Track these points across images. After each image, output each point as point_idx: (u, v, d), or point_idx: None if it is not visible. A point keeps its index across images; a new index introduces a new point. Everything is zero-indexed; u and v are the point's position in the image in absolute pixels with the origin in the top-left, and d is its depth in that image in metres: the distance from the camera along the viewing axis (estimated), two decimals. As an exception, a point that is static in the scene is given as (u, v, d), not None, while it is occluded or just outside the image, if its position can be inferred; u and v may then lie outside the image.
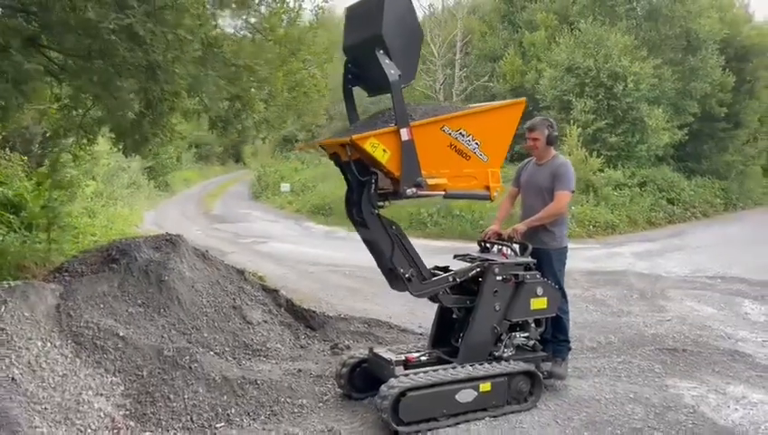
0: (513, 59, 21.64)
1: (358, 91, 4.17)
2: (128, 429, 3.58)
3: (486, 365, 4.04)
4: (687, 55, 18.95)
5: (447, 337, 4.37)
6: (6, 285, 4.20)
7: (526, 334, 4.29)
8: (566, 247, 4.64)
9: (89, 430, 3.40)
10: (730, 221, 16.71)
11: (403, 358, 4.07)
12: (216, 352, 4.61)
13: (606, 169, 16.31)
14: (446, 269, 4.22)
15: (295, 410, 4.04)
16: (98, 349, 4.10)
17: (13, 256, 5.69)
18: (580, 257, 10.00)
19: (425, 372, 3.86)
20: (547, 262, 4.46)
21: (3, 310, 3.84)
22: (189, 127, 9.26)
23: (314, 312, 5.83)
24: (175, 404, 3.86)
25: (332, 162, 4.05)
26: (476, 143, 3.80)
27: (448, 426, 3.79)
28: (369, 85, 4.04)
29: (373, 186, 3.72)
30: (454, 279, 4.09)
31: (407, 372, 3.90)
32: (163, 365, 4.11)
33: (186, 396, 3.92)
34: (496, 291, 4.11)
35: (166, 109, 4.78)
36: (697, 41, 18.81)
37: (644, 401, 4.30)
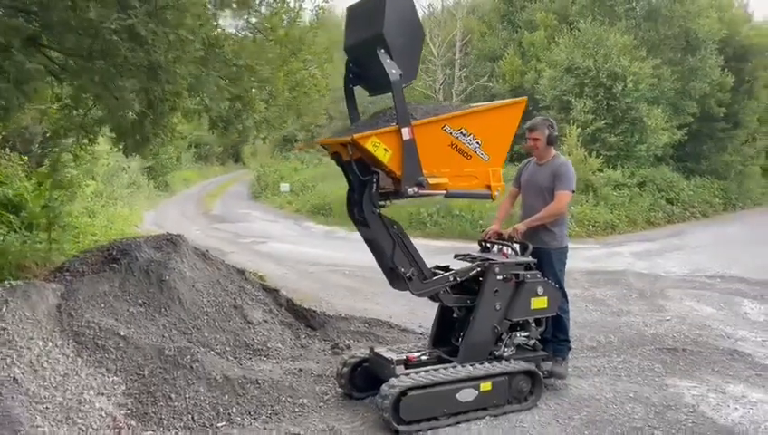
0: (512, 59, 21.65)
1: (357, 91, 4.18)
2: (129, 428, 3.58)
3: (487, 365, 4.05)
4: (686, 55, 18.98)
5: (448, 337, 4.38)
6: (8, 285, 4.21)
7: (527, 334, 4.30)
8: (566, 247, 4.65)
9: (90, 430, 3.41)
10: (729, 221, 16.74)
11: (404, 357, 4.07)
12: (216, 352, 4.62)
13: (605, 169, 16.33)
14: (446, 269, 4.23)
15: (296, 410, 4.05)
16: (99, 348, 4.11)
17: (13, 256, 5.70)
18: (580, 257, 10.01)
19: (425, 372, 3.87)
20: (547, 261, 4.47)
21: (4, 310, 3.85)
22: (189, 127, 9.26)
23: (315, 311, 5.84)
24: (176, 403, 3.87)
25: (333, 162, 4.06)
26: (477, 142, 3.80)
27: (449, 425, 3.81)
28: (371, 85, 4.05)
29: (374, 185, 3.73)
30: (454, 278, 4.10)
31: (407, 371, 3.91)
32: (164, 365, 4.12)
33: (187, 395, 3.93)
34: (497, 290, 4.12)
35: (167, 109, 4.79)
36: (696, 41, 18.83)
37: (644, 400, 4.31)
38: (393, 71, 3.54)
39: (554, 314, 4.38)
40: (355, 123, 4.10)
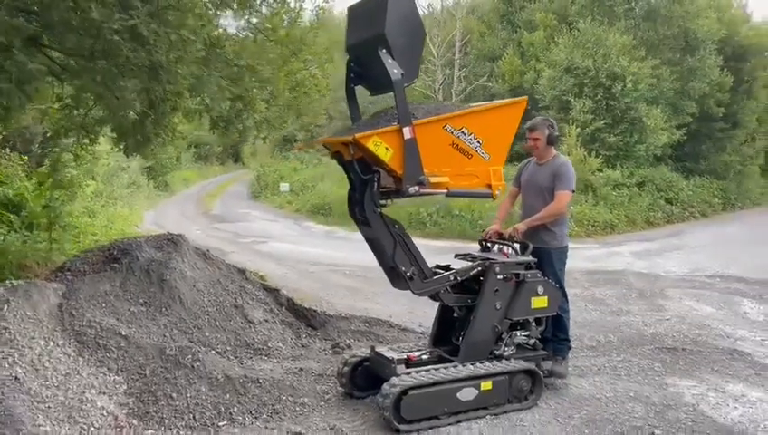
0: (511, 59, 21.67)
1: (358, 91, 4.19)
2: (130, 427, 3.59)
3: (487, 364, 4.06)
4: (686, 55, 19.01)
5: (448, 336, 4.39)
6: (9, 285, 4.21)
7: (527, 333, 4.31)
8: (567, 247, 4.66)
9: (92, 429, 3.41)
10: (728, 221, 16.76)
11: (404, 357, 4.08)
12: (217, 351, 4.62)
13: (605, 169, 16.36)
14: (447, 268, 4.24)
15: (297, 409, 4.06)
16: (100, 348, 4.11)
17: (14, 256, 5.70)
18: (580, 257, 10.03)
19: (426, 371, 3.88)
20: (548, 261, 4.48)
21: (5, 309, 3.85)
22: (189, 127, 9.26)
23: (315, 311, 5.85)
24: (177, 403, 3.87)
25: (333, 161, 4.07)
26: (478, 142, 3.82)
27: (450, 424, 3.82)
28: (372, 84, 4.06)
29: (376, 184, 3.74)
30: (455, 278, 4.11)
31: (408, 370, 3.92)
32: (165, 364, 4.12)
33: (188, 395, 3.94)
34: (497, 290, 4.13)
35: (168, 109, 4.79)
36: (695, 41, 18.86)
37: (644, 399, 4.33)
38: (395, 70, 3.55)
39: (554, 313, 4.39)
40: (356, 123, 4.12)
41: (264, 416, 3.93)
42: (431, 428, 3.76)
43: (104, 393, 3.77)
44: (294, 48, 5.47)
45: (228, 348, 4.76)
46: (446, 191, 3.83)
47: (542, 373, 4.24)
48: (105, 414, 3.56)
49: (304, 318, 5.73)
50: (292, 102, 6.06)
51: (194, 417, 3.81)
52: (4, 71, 3.69)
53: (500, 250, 4.51)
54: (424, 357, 4.20)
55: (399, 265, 3.90)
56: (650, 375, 4.83)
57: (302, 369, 4.59)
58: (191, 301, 4.97)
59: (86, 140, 5.78)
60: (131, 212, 13.01)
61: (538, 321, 4.36)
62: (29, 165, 8.36)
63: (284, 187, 20.78)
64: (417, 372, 3.86)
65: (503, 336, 4.19)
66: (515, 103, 4.10)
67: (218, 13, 4.95)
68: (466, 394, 3.88)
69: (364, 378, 4.24)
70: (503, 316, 4.16)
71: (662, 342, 5.67)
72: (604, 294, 7.79)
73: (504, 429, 3.83)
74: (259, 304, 5.47)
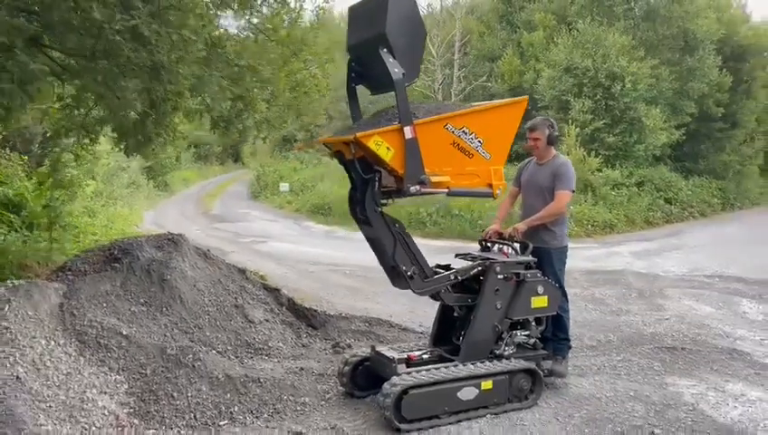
0: (511, 59, 21.69)
1: (358, 90, 4.20)
2: (132, 426, 3.59)
3: (488, 363, 4.07)
4: (685, 55, 19.03)
5: (449, 335, 4.40)
6: (10, 284, 4.21)
7: (527, 333, 4.32)
8: (566, 246, 4.68)
9: (93, 428, 3.42)
10: (727, 221, 16.78)
11: (405, 356, 4.09)
12: (218, 351, 4.63)
13: (604, 169, 16.37)
14: (447, 268, 4.25)
15: (298, 408, 4.07)
16: (101, 347, 4.12)
17: (15, 256, 5.71)
18: (579, 257, 10.04)
19: (427, 371, 3.89)
20: (548, 261, 4.49)
21: (7, 309, 3.85)
22: (189, 127, 9.27)
23: (315, 311, 5.85)
24: (178, 402, 3.88)
25: (333, 161, 4.09)
26: (479, 141, 3.83)
27: (450, 424, 3.83)
28: (373, 84, 4.08)
29: (377, 183, 3.75)
30: (455, 277, 4.12)
31: (409, 370, 3.93)
32: (166, 364, 4.13)
33: (189, 394, 3.95)
34: (497, 289, 4.14)
35: (169, 109, 4.80)
36: (695, 41, 18.89)
37: (644, 398, 4.34)
38: (396, 70, 3.56)
39: (554, 312, 4.41)
40: (357, 122, 4.12)
41: (265, 415, 3.94)
42: (432, 427, 3.77)
43: (105, 393, 3.78)
44: (295, 48, 5.48)
45: (229, 348, 4.76)
46: (446, 191, 3.84)
47: (542, 373, 4.25)
48: (106, 414, 3.57)
49: (305, 318, 5.73)
50: (293, 102, 6.07)
51: (195, 416, 3.82)
52: (5, 71, 3.69)
53: (500, 250, 4.52)
54: (424, 357, 4.21)
55: (400, 265, 3.91)
56: (650, 375, 4.84)
57: (302, 368, 4.60)
58: (192, 301, 4.98)
59: (86, 140, 5.78)
60: (131, 212, 13.02)
61: (538, 320, 4.37)
62: (29, 165, 8.36)
63: (284, 187, 20.78)
64: (417, 372, 3.87)
65: (503, 336, 4.20)
66: (516, 103, 4.11)
67: (219, 13, 4.96)
68: (467, 393, 3.89)
69: (365, 377, 4.25)
70: (503, 316, 4.17)
71: (662, 341, 5.68)
72: (604, 293, 7.80)
73: (504, 428, 3.84)
74: (259, 304, 5.48)
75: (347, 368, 4.24)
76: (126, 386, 3.92)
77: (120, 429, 3.52)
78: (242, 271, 5.94)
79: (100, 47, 3.77)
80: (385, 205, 3.86)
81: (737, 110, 20.64)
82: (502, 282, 4.15)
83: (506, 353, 4.19)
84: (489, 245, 4.65)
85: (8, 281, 4.38)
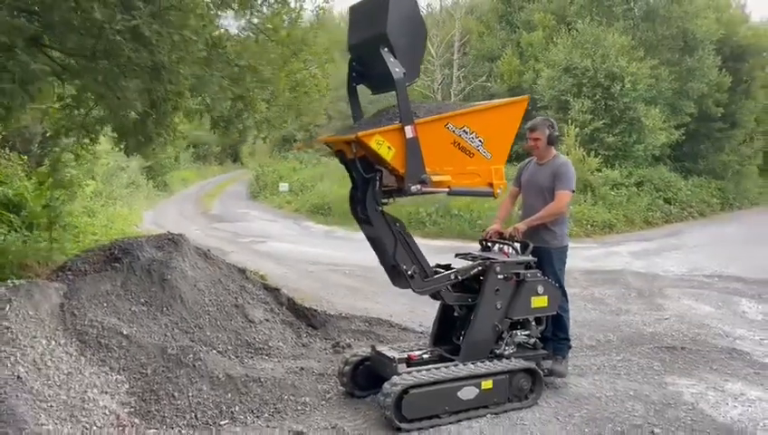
0: (510, 59, 21.71)
1: (358, 90, 4.20)
2: (133, 426, 3.60)
3: (488, 363, 4.08)
4: (684, 56, 19.05)
5: (449, 335, 4.40)
6: (11, 284, 4.21)
7: (527, 332, 4.33)
8: (567, 246, 4.68)
9: (94, 428, 3.42)
10: (726, 221, 16.80)
11: (405, 356, 4.09)
12: (218, 351, 4.63)
13: (603, 169, 16.38)
14: (447, 267, 4.25)
15: (299, 408, 4.07)
16: (102, 347, 4.12)
17: (15, 256, 5.71)
18: (579, 256, 10.04)
19: (427, 370, 3.90)
20: (548, 260, 4.50)
21: (7, 309, 3.85)
22: (189, 127, 9.27)
23: (315, 310, 5.85)
24: (179, 402, 3.88)
25: (332, 161, 4.11)
26: (480, 140, 3.83)
27: (450, 423, 3.83)
28: (374, 83, 4.08)
29: (377, 183, 3.75)
30: (456, 277, 4.12)
31: (409, 369, 3.93)
32: (167, 363, 4.13)
33: (190, 394, 3.95)
34: (498, 289, 4.15)
35: (169, 108, 4.80)
36: (694, 41, 18.91)
37: (644, 398, 4.34)
38: (396, 69, 3.57)
39: (554, 312, 4.41)
40: (358, 121, 4.13)
41: (266, 415, 3.94)
42: (432, 426, 3.78)
43: (106, 392, 3.78)
44: (295, 48, 5.48)
45: (229, 347, 4.76)
46: (447, 190, 3.85)
47: (542, 372, 4.25)
48: (107, 413, 3.57)
49: (305, 318, 5.73)
50: (293, 102, 6.08)
51: (195, 416, 3.82)
52: (6, 71, 3.70)
53: (500, 250, 4.53)
54: (425, 356, 4.22)
55: (400, 264, 3.91)
56: (650, 374, 4.85)
57: (302, 368, 4.60)
58: (192, 300, 4.98)
59: (86, 140, 5.78)
60: (131, 212, 13.02)
61: (538, 320, 4.37)
62: (29, 165, 8.36)
63: (283, 187, 20.77)
64: (417, 371, 3.88)
65: (503, 335, 4.21)
66: (516, 102, 4.12)
67: (219, 13, 4.96)
68: (467, 393, 3.89)
69: (365, 377, 4.26)
70: (503, 315, 4.17)
71: (661, 341, 5.69)
72: (603, 293, 7.81)
73: (504, 427, 3.85)
74: (260, 304, 5.48)
75: (347, 368, 4.25)
76: (127, 386, 3.93)
77: (120, 428, 3.52)
78: (242, 271, 5.94)
79: (101, 47, 3.78)
80: (386, 204, 3.87)
81: (736, 110, 20.67)
82: (502, 282, 4.15)
83: (506, 353, 4.19)
84: (489, 244, 4.66)
85: (9, 281, 4.39)
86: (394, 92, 3.64)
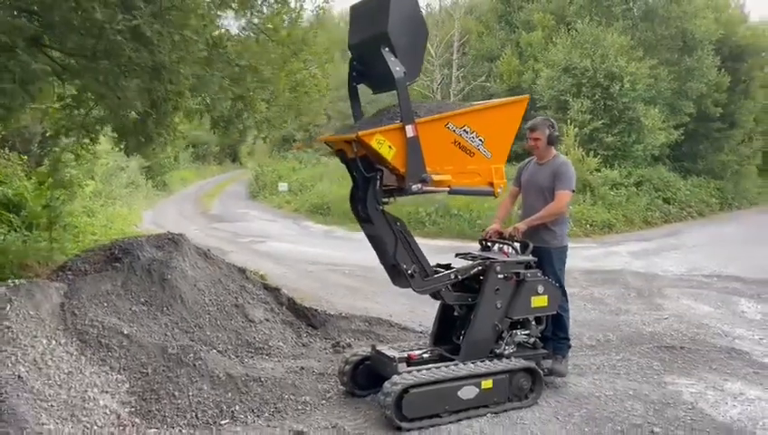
0: (510, 59, 21.71)
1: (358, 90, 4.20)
2: (133, 426, 3.60)
3: (488, 362, 4.08)
4: (683, 56, 19.07)
5: (449, 335, 4.41)
6: (11, 284, 4.21)
7: (527, 332, 4.33)
8: (567, 246, 4.69)
9: (95, 427, 3.42)
10: (725, 221, 16.81)
11: (405, 355, 4.10)
12: (219, 350, 4.64)
13: (603, 169, 16.39)
14: (447, 267, 4.26)
15: (299, 407, 4.08)
16: (102, 347, 4.12)
17: (15, 255, 5.71)
18: (578, 256, 10.04)
19: (427, 370, 3.90)
20: (548, 260, 4.51)
21: (8, 308, 3.86)
22: (188, 127, 9.28)
23: (315, 310, 5.86)
24: (180, 401, 3.89)
25: (331, 161, 4.12)
26: (480, 140, 3.84)
27: (451, 422, 3.84)
28: (374, 83, 4.09)
29: (378, 182, 3.76)
30: (456, 276, 4.13)
31: (409, 369, 3.94)
32: (167, 363, 4.14)
33: (190, 393, 3.95)
34: (498, 289, 4.15)
35: (170, 108, 4.80)
36: (693, 41, 18.93)
37: (643, 397, 4.35)
38: (397, 69, 3.58)
39: (554, 312, 4.42)
40: (359, 121, 4.14)
41: (266, 414, 3.95)
42: (432, 426, 3.78)
43: (107, 392, 3.79)
44: (295, 48, 5.49)
45: (229, 347, 4.77)
46: (448, 189, 3.86)
47: (542, 372, 4.26)
48: (108, 413, 3.57)
49: (305, 317, 5.74)
50: (293, 102, 6.08)
51: (196, 415, 3.82)
52: (7, 70, 3.70)
53: (500, 249, 4.53)
54: (425, 356, 4.23)
55: (401, 263, 3.92)
56: (649, 374, 4.86)
57: (303, 368, 4.60)
58: (192, 300, 4.99)
59: (86, 140, 5.78)
60: (130, 212, 13.02)
61: (538, 320, 4.38)
62: (28, 165, 8.36)
63: (283, 186, 20.76)
64: (418, 371, 3.88)
65: (503, 335, 4.21)
66: (517, 102, 4.13)
67: (219, 13, 4.96)
68: (467, 392, 3.90)
69: (365, 377, 4.26)
70: (503, 315, 4.18)
71: (661, 340, 5.70)
72: (603, 293, 7.82)
73: (504, 427, 3.85)
74: (260, 304, 5.49)
75: (348, 367, 4.25)
76: (127, 385, 3.93)
77: (121, 428, 3.52)
78: (242, 270, 5.95)
79: (101, 47, 3.78)
80: (386, 203, 3.87)
81: (735, 110, 20.68)
82: (502, 281, 4.16)
83: (506, 353, 4.20)
84: (489, 244, 4.67)
85: (9, 280, 4.38)
86: (394, 92, 3.64)
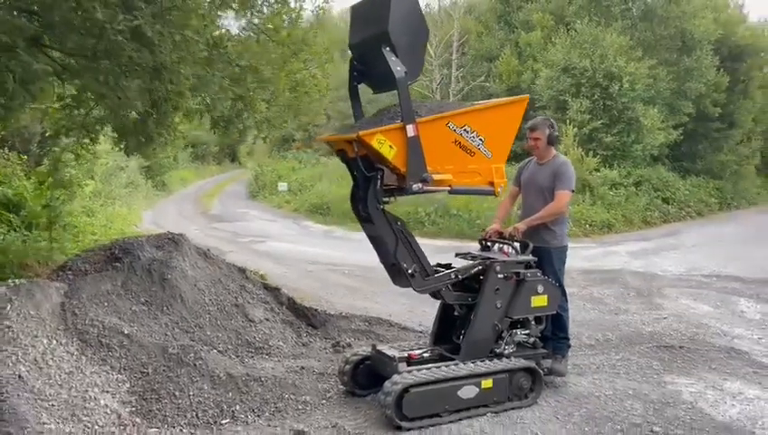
0: (509, 59, 21.73)
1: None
2: (134, 425, 3.60)
3: (488, 362, 4.09)
4: (682, 56, 19.10)
5: (449, 334, 4.41)
6: (12, 284, 4.22)
7: (527, 332, 4.34)
8: (566, 246, 4.70)
9: (96, 427, 3.43)
10: (724, 221, 16.83)
11: (406, 355, 4.11)
12: (219, 350, 4.64)
13: (602, 169, 16.41)
14: (447, 266, 4.27)
15: (299, 407, 4.08)
16: (103, 346, 4.13)
17: (15, 255, 5.71)
18: (577, 256, 10.04)
19: (427, 369, 3.91)
20: (548, 260, 4.51)
21: (9, 308, 3.86)
22: (188, 127, 9.29)
23: (315, 310, 5.86)
24: (180, 401, 3.89)
25: (331, 161, 4.13)
26: (481, 139, 3.85)
27: (451, 422, 3.85)
28: (375, 82, 4.09)
29: (379, 181, 3.76)
30: (456, 276, 4.14)
31: (409, 368, 3.94)
32: (168, 363, 4.14)
33: (191, 393, 3.96)
34: (498, 289, 4.16)
35: (170, 108, 4.81)
36: (692, 41, 18.95)
37: (643, 397, 4.36)
38: (398, 68, 3.58)
39: (554, 312, 4.43)
40: (360, 120, 4.14)
41: (267, 414, 3.95)
42: (432, 425, 3.79)
43: (107, 392, 3.79)
44: (295, 48, 5.49)
45: (230, 347, 4.78)
46: (448, 189, 3.87)
47: (541, 371, 4.27)
48: (109, 412, 3.58)
49: (305, 317, 5.74)
50: (293, 102, 6.08)
51: (197, 415, 3.83)
52: (8, 70, 3.70)
53: (500, 249, 4.54)
54: (425, 355, 4.23)
55: (401, 262, 3.92)
56: (649, 373, 4.87)
57: (303, 367, 4.61)
58: (192, 300, 4.99)
59: (86, 140, 5.78)
60: (130, 212, 13.03)
61: (538, 319, 4.38)
62: (28, 164, 8.36)
63: (282, 186, 20.76)
64: (418, 370, 3.89)
65: (503, 335, 4.22)
66: (517, 101, 4.14)
67: (220, 13, 4.96)
68: (467, 392, 3.91)
69: (366, 376, 4.27)
70: (503, 315, 4.19)
71: (660, 340, 5.71)
72: (602, 293, 7.83)
73: (504, 426, 3.86)
74: (260, 303, 5.50)
75: (348, 367, 4.26)
76: (128, 385, 3.94)
77: (122, 427, 3.53)
78: (242, 270, 5.96)
79: (102, 47, 3.78)
80: (387, 203, 3.88)
81: (734, 110, 20.71)
82: (502, 281, 4.17)
83: (506, 352, 4.20)
84: (489, 244, 4.67)
85: (9, 280, 4.39)
86: (394, 92, 3.65)
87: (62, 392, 3.53)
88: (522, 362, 4.16)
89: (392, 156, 3.58)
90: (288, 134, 26.37)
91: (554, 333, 4.61)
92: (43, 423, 3.20)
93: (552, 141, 4.65)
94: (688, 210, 17.20)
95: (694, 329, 6.09)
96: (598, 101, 17.30)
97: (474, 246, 4.85)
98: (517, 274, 4.22)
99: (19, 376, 3.41)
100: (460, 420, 3.87)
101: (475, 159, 3.86)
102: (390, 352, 4.11)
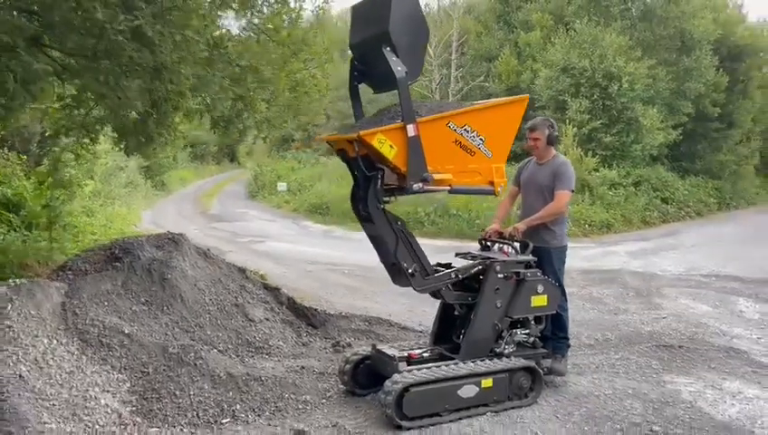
0: (508, 59, 21.74)
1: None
2: (135, 425, 3.61)
3: (488, 361, 4.09)
4: (681, 56, 19.12)
5: (449, 334, 4.42)
6: (12, 284, 4.22)
7: (527, 331, 4.35)
8: (566, 246, 4.71)
9: (96, 426, 3.43)
10: (723, 220, 16.85)
11: (406, 354, 4.11)
12: (219, 350, 4.65)
13: (601, 169, 16.43)
14: (447, 266, 4.27)
15: (299, 407, 4.09)
16: (103, 346, 4.13)
17: (15, 255, 5.71)
18: (577, 256, 10.04)
19: (428, 368, 3.92)
20: (547, 260, 4.52)
21: (9, 308, 3.86)
22: (188, 127, 9.30)
23: (315, 310, 5.87)
24: (181, 400, 3.90)
25: (330, 161, 4.14)
26: (481, 139, 3.86)
27: (451, 421, 3.85)
28: (375, 82, 4.10)
29: (379, 181, 3.77)
30: (456, 276, 4.14)
31: (410, 368, 3.95)
32: (168, 362, 4.14)
33: (191, 392, 3.96)
34: (498, 288, 4.17)
35: (170, 108, 4.81)
36: (691, 41, 18.98)
37: (642, 396, 4.37)
38: (399, 68, 3.59)
39: (554, 311, 4.43)
40: (360, 120, 4.15)
41: (267, 413, 3.96)
42: (432, 424, 3.79)
43: (108, 391, 3.79)
44: (295, 48, 5.50)
45: (230, 346, 4.78)
46: (449, 188, 3.87)
47: (541, 371, 4.28)
48: (109, 412, 3.58)
49: (305, 317, 5.75)
50: (293, 102, 6.09)
51: (197, 414, 3.83)
52: (9, 70, 3.70)
53: (500, 249, 4.55)
54: (425, 355, 4.24)
55: (401, 262, 3.93)
56: (648, 373, 4.88)
57: (303, 367, 4.61)
58: (192, 300, 5.00)
59: (86, 140, 5.78)
60: (129, 211, 13.03)
61: (538, 319, 4.39)
62: (27, 164, 8.36)
63: (282, 186, 20.77)
64: (418, 370, 3.89)
65: (503, 334, 4.23)
66: (517, 101, 4.14)
67: (220, 13, 4.97)
68: (467, 391, 3.91)
69: (366, 376, 4.27)
70: (503, 314, 4.20)
71: (659, 340, 5.72)
72: (601, 293, 7.84)
73: (504, 425, 3.86)
74: (260, 303, 5.50)
75: (348, 366, 4.26)
76: (128, 384, 3.94)
77: (122, 427, 3.53)
78: (242, 270, 5.96)
79: (102, 47, 3.78)
80: (387, 202, 3.88)
81: (734, 110, 20.74)
82: (502, 281, 4.17)
83: (506, 352, 4.21)
84: (489, 244, 4.68)
85: (10, 280, 4.39)
86: (394, 92, 3.66)
87: (63, 392, 3.54)
88: (522, 362, 4.17)
89: (393, 156, 3.59)
90: (287, 134, 26.37)
91: (554, 332, 4.62)
92: (44, 423, 3.20)
93: (551, 141, 4.66)
94: (687, 210, 17.22)
95: (693, 329, 6.10)
96: (597, 101, 17.32)
97: (473, 246, 4.86)
98: (517, 273, 4.23)
99: (20, 376, 3.41)
100: (460, 419, 3.87)
101: (475, 159, 3.87)
102: (390, 352, 4.12)
